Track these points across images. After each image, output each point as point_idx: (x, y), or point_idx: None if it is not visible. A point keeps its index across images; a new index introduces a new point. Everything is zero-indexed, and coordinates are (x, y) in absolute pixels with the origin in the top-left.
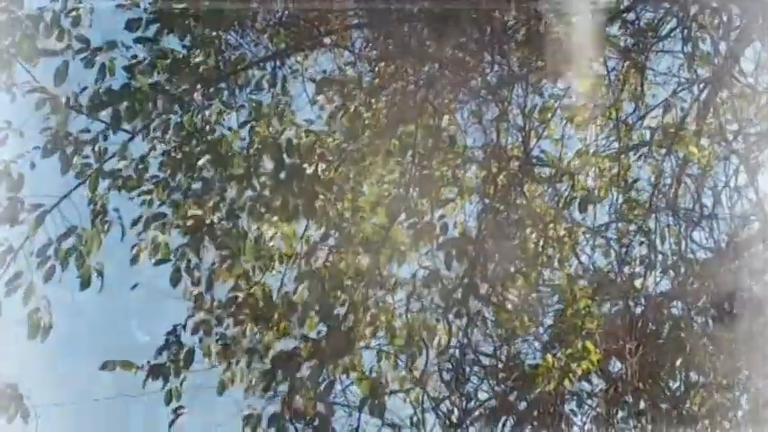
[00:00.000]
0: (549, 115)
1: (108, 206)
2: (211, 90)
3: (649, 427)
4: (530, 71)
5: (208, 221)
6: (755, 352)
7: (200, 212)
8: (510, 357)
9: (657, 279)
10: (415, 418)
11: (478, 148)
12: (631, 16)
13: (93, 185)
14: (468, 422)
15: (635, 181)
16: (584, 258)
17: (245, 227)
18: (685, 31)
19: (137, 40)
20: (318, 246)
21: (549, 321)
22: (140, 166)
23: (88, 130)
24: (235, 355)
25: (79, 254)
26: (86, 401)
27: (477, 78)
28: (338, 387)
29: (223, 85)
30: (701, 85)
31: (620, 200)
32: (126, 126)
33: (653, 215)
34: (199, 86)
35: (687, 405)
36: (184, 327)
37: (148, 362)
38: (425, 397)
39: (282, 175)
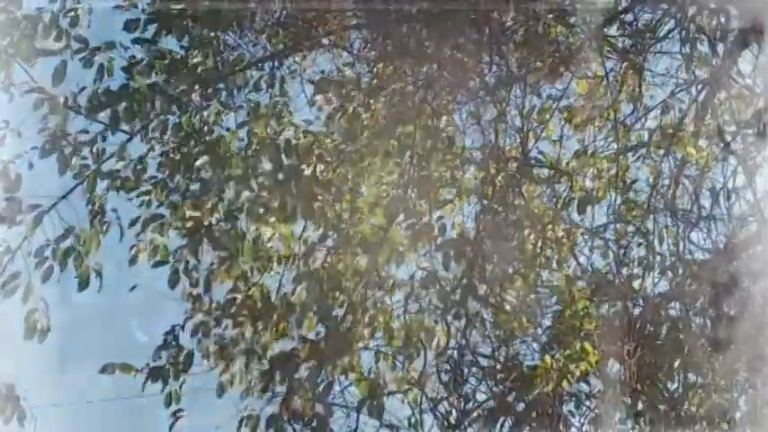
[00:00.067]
0: (548, 116)
1: (106, 207)
2: (210, 91)
3: (647, 428)
4: (528, 72)
5: (206, 223)
6: (754, 353)
7: (198, 214)
8: (508, 358)
9: (656, 280)
10: (413, 419)
11: (477, 149)
12: (629, 17)
13: (92, 186)
14: (466, 423)
15: (633, 182)
16: (582, 259)
17: (243, 228)
18: (683, 32)
19: (135, 41)
20: (317, 247)
21: (547, 322)
22: (139, 167)
23: (87, 131)
24: (233, 356)
25: (77, 254)
26: (86, 403)
27: (476, 79)
28: (337, 388)
29: (221, 85)
30: (699, 87)
31: (619, 201)
32: (124, 127)
33: (651, 216)
34: (197, 87)
35: (685, 406)
36: (182, 327)
37: (148, 364)
38: (424, 398)
39: (281, 176)
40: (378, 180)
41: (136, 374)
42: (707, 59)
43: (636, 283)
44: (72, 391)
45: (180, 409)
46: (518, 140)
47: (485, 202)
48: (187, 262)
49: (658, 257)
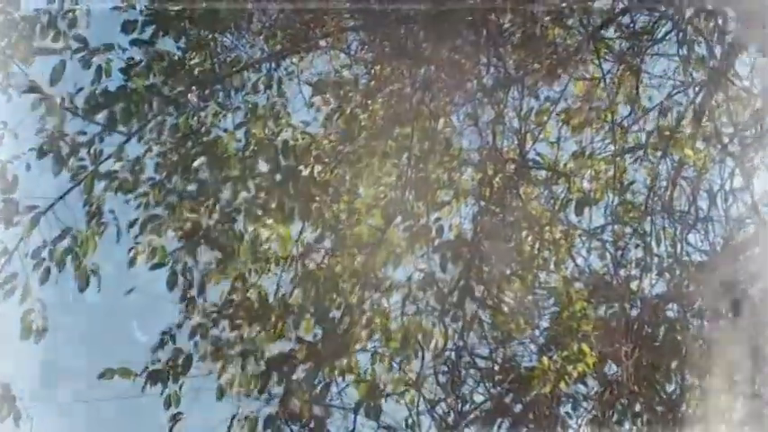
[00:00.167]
0: (545, 118)
1: (103, 207)
2: (207, 92)
3: (645, 429)
4: (526, 74)
5: (204, 224)
6: (752, 354)
7: (195, 215)
8: (506, 360)
9: (653, 281)
10: (410, 421)
11: (474, 151)
12: (626, 19)
13: (89, 187)
14: (463, 425)
15: (630, 183)
16: (580, 261)
17: (241, 229)
18: (681, 34)
19: (132, 42)
20: (314, 248)
21: (545, 324)
22: (136, 168)
23: (84, 132)
24: (230, 357)
25: (75, 255)
26: (85, 403)
27: (473, 81)
28: (334, 389)
29: (218, 86)
30: (697, 88)
31: (616, 202)
32: (121, 128)
33: (648, 218)
34: (194, 88)
35: (683, 408)
36: (179, 327)
37: (146, 367)
38: (421, 399)
39: (278, 177)
40: (375, 181)
41: (135, 379)
42: (704, 61)
43: (633, 285)
44: (71, 392)
45: (179, 413)
46: (516, 142)
47: (482, 203)
48: (185, 263)
49: (656, 259)
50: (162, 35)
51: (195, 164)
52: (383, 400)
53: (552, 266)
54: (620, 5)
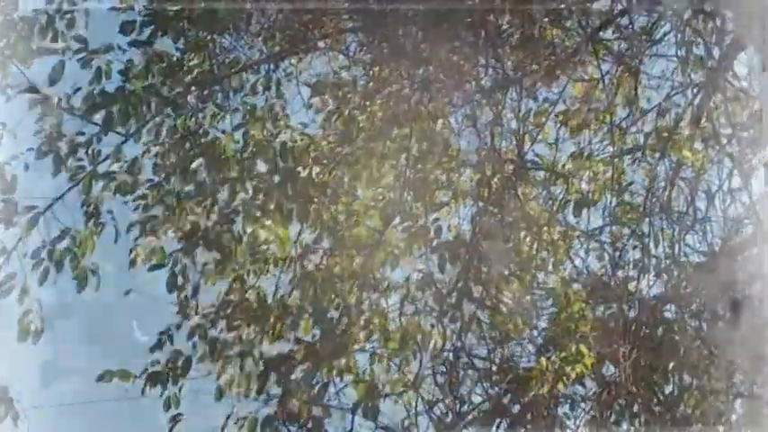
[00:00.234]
0: (544, 119)
1: (101, 208)
2: (205, 93)
3: (643, 430)
4: (524, 75)
5: (203, 226)
6: (749, 355)
7: (194, 217)
8: (504, 360)
9: (651, 282)
10: (408, 422)
11: (473, 152)
12: (625, 20)
13: (87, 188)
14: (461, 425)
15: (629, 184)
16: (578, 262)
17: (240, 230)
18: (679, 35)
19: (131, 44)
20: (312, 249)
21: (543, 324)
22: (135, 169)
23: (83, 133)
24: (229, 358)
25: (74, 255)
26: (85, 404)
27: (472, 82)
28: (332, 390)
29: (217, 87)
30: (695, 89)
31: (614, 203)
32: (119, 129)
33: (647, 219)
34: (193, 89)
35: (681, 408)
36: (178, 328)
37: (146, 369)
38: (419, 400)
39: (277, 179)
40: (374, 182)
41: (134, 381)
42: (702, 62)
43: (631, 286)
44: (70, 393)
45: (179, 414)
46: (514, 143)
47: (481, 204)
48: (184, 265)
49: (654, 260)
50: (160, 36)
51: (193, 165)
52: (381, 401)
53: (550, 267)
54: (619, 7)
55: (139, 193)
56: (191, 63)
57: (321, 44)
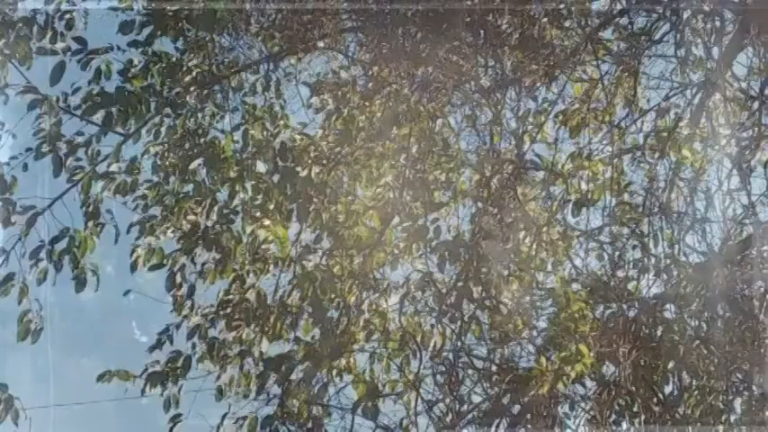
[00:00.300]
0: (543, 119)
1: (101, 207)
2: (205, 93)
3: (642, 429)
4: (523, 75)
5: (202, 225)
6: (750, 354)
7: (193, 217)
8: (504, 360)
9: (650, 282)
10: (407, 421)
11: (472, 152)
12: (624, 21)
13: (86, 188)
14: (461, 425)
15: (628, 184)
16: (577, 262)
17: (239, 230)
18: (678, 35)
19: (130, 44)
20: (312, 249)
21: (542, 324)
22: (134, 169)
23: (82, 133)
24: (229, 358)
25: (73, 255)
26: (85, 404)
27: (471, 82)
28: (331, 390)
29: (216, 87)
30: (694, 90)
31: (614, 203)
32: (119, 128)
33: (646, 218)
34: (192, 89)
35: (680, 408)
36: (177, 327)
37: (146, 369)
38: (419, 400)
39: (276, 179)
40: (373, 182)
41: (134, 381)
42: (702, 62)
43: (631, 286)
44: (70, 393)
45: (179, 414)
46: (513, 143)
47: (480, 204)
48: (183, 265)
49: (653, 260)
50: (159, 36)
51: (192, 165)
52: (381, 401)
53: (550, 267)
54: (618, 7)
55: (139, 193)
56: (190, 63)
57: (320, 44)
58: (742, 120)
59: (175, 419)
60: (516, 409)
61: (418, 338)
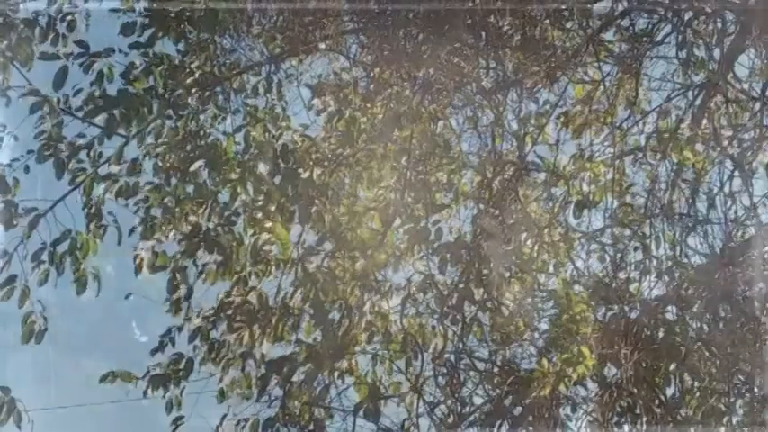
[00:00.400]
0: (544, 120)
1: (103, 210)
2: (206, 95)
3: (644, 431)
4: (525, 76)
5: (204, 227)
6: (751, 356)
7: (194, 218)
8: (505, 362)
9: (652, 284)
10: (408, 423)
11: (474, 154)
12: (626, 22)
13: (88, 190)
14: (463, 427)
15: (630, 186)
16: (579, 263)
17: (240, 232)
18: (680, 36)
19: (132, 46)
20: (314, 250)
21: (544, 326)
22: (136, 171)
23: (83, 135)
24: (231, 360)
25: (75, 258)
26: (85, 406)
27: (473, 83)
28: (333, 391)
29: (218, 89)
30: (696, 91)
31: (615, 205)
32: (121, 130)
33: (648, 220)
34: (194, 91)
35: (682, 410)
36: (179, 330)
37: (148, 371)
38: (420, 401)
39: (278, 180)
40: (375, 184)
41: (137, 383)
42: (703, 64)
43: (633, 287)
44: (72, 395)
45: (180, 416)
46: (515, 145)
47: (481, 206)
48: (184, 267)
49: (655, 261)
50: (161, 38)
51: (194, 167)
52: (382, 403)
53: (552, 269)
54: (620, 8)
55: (141, 196)
56: (191, 65)
57: (322, 46)
58: (744, 121)
59: (177, 422)
60: (518, 410)
61: (420, 340)
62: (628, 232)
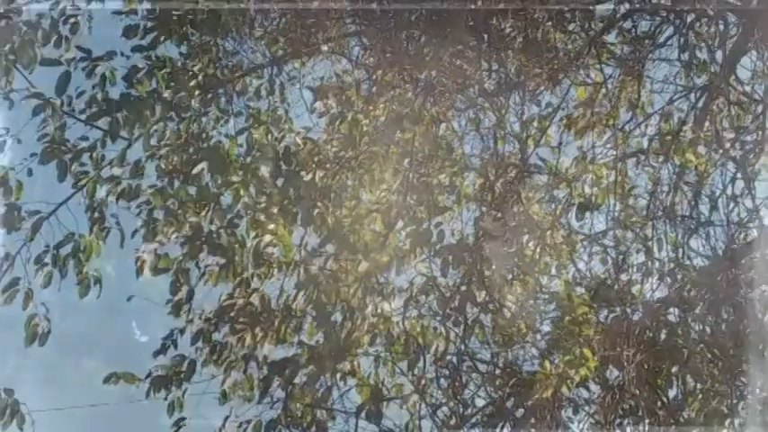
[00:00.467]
0: (547, 123)
1: (106, 213)
2: (209, 97)
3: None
4: (527, 78)
5: (206, 230)
6: (752, 359)
7: (197, 220)
8: (507, 364)
9: (655, 286)
10: (411, 425)
11: (476, 156)
12: (628, 24)
13: (91, 192)
14: (465, 429)
15: (632, 188)
16: (581, 265)
17: (243, 234)
18: (682, 39)
19: (135, 49)
20: (316, 252)
21: (546, 328)
22: (138, 174)
23: (86, 138)
24: (233, 362)
25: (78, 260)
26: (86, 406)
27: (475, 86)
28: (335, 393)
29: (220, 91)
30: (698, 93)
31: (618, 207)
32: (123, 133)
33: (650, 222)
34: (196, 93)
35: (684, 412)
36: (182, 332)
37: (150, 373)
38: (423, 403)
39: (280, 183)
40: (377, 186)
41: (139, 384)
42: (705, 66)
43: (635, 289)
44: (74, 395)
45: (182, 418)
46: (517, 147)
47: (484, 208)
48: (186, 269)
49: (657, 263)
50: (163, 40)
51: (196, 169)
52: (385, 404)
53: (554, 271)
54: (622, 10)
55: (143, 198)
56: (194, 67)
57: (324, 48)
58: (746, 123)
59: (179, 423)
60: (520, 412)
61: (422, 342)
62: (630, 234)
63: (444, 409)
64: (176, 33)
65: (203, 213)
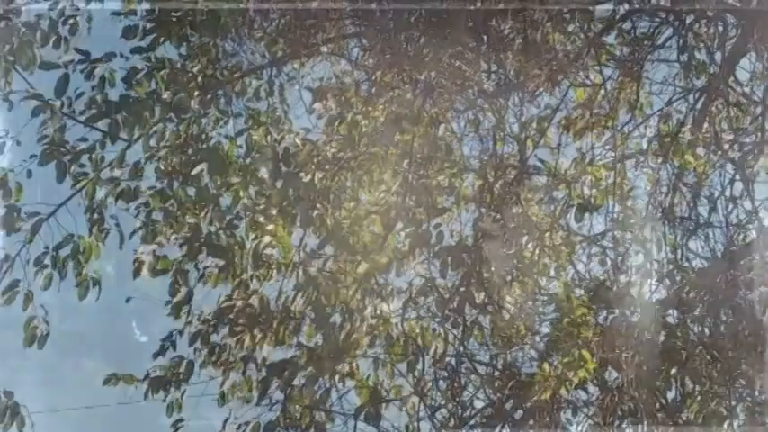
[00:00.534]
0: (546, 124)
1: (105, 214)
2: (208, 98)
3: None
4: (526, 79)
5: (205, 231)
6: (751, 360)
7: (196, 221)
8: (506, 366)
9: (653, 287)
10: (411, 427)
11: (475, 157)
12: (627, 25)
13: (90, 194)
14: (464, 430)
15: (631, 189)
16: (580, 267)
17: (242, 236)
18: (681, 40)
19: (134, 50)
20: (315, 254)
21: (545, 330)
22: (137, 175)
23: (86, 139)
24: (232, 364)
25: (77, 262)
26: (85, 407)
27: (474, 87)
28: (334, 395)
29: (220, 92)
30: (697, 94)
31: (617, 208)
32: (123, 134)
33: (649, 224)
34: (196, 94)
35: (683, 414)
36: (180, 333)
37: (148, 374)
38: (421, 405)
39: (279, 184)
40: (376, 187)
41: (137, 385)
42: (704, 67)
43: (634, 291)
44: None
45: (181, 419)
46: (516, 148)
47: (483, 209)
48: (186, 271)
49: (656, 265)
50: (163, 41)
51: (195, 170)
52: (384, 406)
53: (553, 272)
54: (621, 11)
55: (142, 200)
56: (193, 68)
57: (323, 49)
58: (745, 125)
59: (178, 424)
60: (519, 414)
61: (420, 343)
62: (629, 236)
63: (443, 410)
64: (176, 34)
65: (202, 215)
